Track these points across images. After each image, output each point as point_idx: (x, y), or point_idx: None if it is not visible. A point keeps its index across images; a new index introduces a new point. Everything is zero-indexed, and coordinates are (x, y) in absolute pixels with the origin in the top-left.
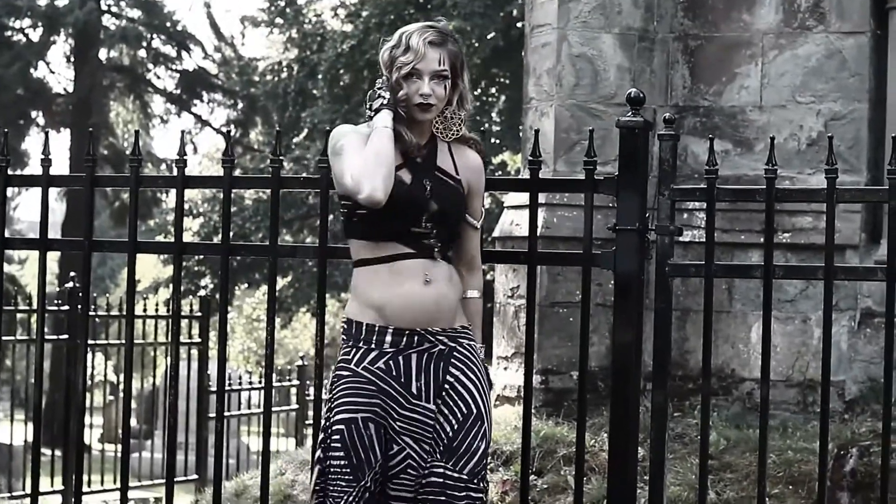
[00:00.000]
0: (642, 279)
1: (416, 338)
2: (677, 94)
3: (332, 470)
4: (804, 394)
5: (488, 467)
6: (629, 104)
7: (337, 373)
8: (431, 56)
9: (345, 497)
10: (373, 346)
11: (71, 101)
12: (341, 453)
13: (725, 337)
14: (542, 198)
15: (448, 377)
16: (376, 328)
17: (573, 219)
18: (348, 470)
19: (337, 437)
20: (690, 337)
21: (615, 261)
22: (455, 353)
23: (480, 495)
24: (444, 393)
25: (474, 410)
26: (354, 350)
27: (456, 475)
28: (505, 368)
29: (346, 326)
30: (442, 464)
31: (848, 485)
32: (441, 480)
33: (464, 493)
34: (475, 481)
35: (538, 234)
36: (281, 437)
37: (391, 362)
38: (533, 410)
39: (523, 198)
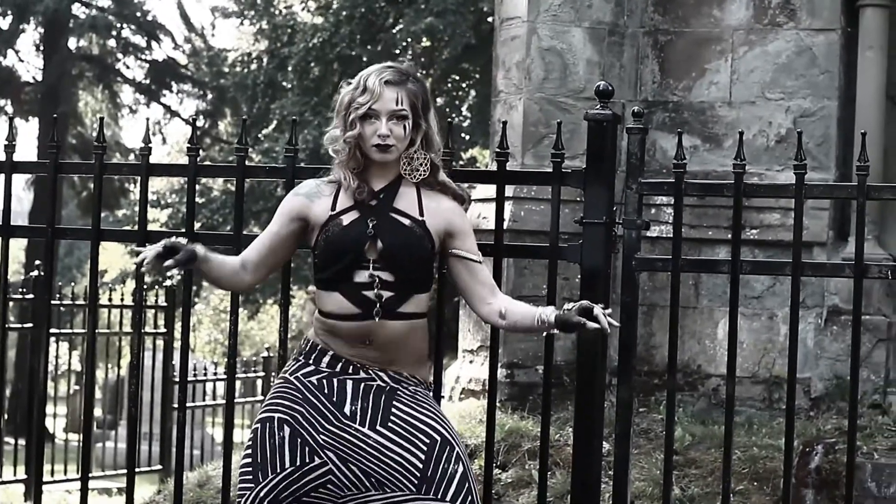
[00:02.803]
0: (609, 273)
1: (351, 367)
2: (647, 89)
3: (240, 472)
4: (770, 390)
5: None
6: (598, 97)
7: (274, 383)
8: (388, 96)
9: (242, 502)
10: (311, 361)
11: (39, 89)
12: (249, 451)
13: (692, 333)
14: (509, 191)
15: (395, 410)
16: (318, 347)
17: (541, 212)
18: (249, 469)
19: (251, 436)
20: (657, 332)
21: (581, 254)
22: (399, 393)
23: None
24: (392, 425)
25: (438, 438)
26: (294, 362)
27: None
28: (471, 362)
29: (300, 344)
30: (420, 496)
31: (813, 482)
32: None
33: None
34: None
35: (505, 228)
36: (246, 429)
37: (325, 381)
38: (498, 404)
39: (491, 191)
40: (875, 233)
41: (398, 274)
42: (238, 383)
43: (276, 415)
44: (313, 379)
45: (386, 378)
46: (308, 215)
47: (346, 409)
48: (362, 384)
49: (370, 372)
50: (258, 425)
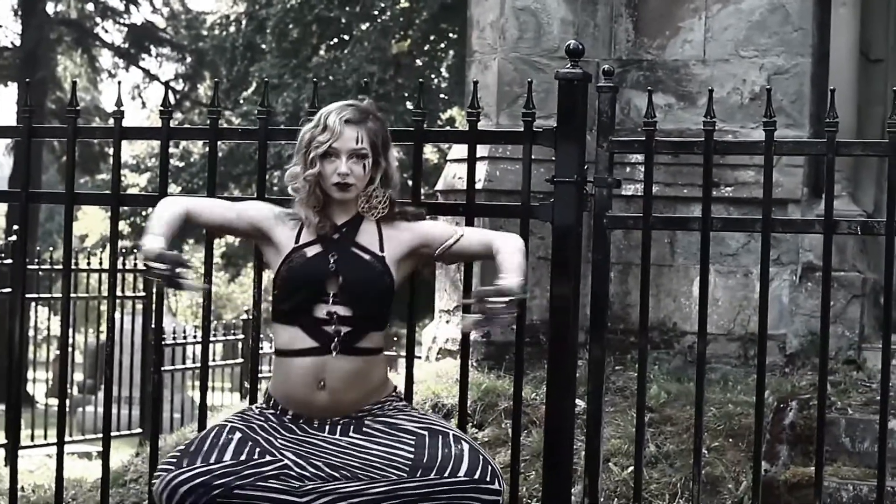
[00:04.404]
0: (580, 231)
1: (315, 421)
2: (621, 48)
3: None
4: (745, 347)
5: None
6: (568, 56)
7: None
8: (348, 135)
9: (158, 479)
10: (277, 411)
11: (18, 55)
12: (184, 444)
13: (667, 291)
14: (484, 151)
15: (368, 422)
16: (280, 407)
17: (516, 172)
18: (175, 457)
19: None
20: (632, 290)
21: (553, 213)
22: (367, 419)
23: (495, 497)
24: (368, 430)
25: (425, 433)
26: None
27: (453, 479)
28: (447, 322)
29: (264, 394)
30: (415, 478)
31: (787, 437)
32: (421, 491)
33: (471, 496)
34: (487, 478)
35: (481, 188)
36: (226, 392)
37: (287, 418)
38: (475, 364)
39: (465, 150)
40: (849, 189)
41: (356, 309)
42: (219, 346)
43: (229, 424)
44: (277, 415)
45: (349, 420)
46: (271, 232)
47: (314, 425)
48: (328, 422)
49: (336, 419)
50: (206, 430)
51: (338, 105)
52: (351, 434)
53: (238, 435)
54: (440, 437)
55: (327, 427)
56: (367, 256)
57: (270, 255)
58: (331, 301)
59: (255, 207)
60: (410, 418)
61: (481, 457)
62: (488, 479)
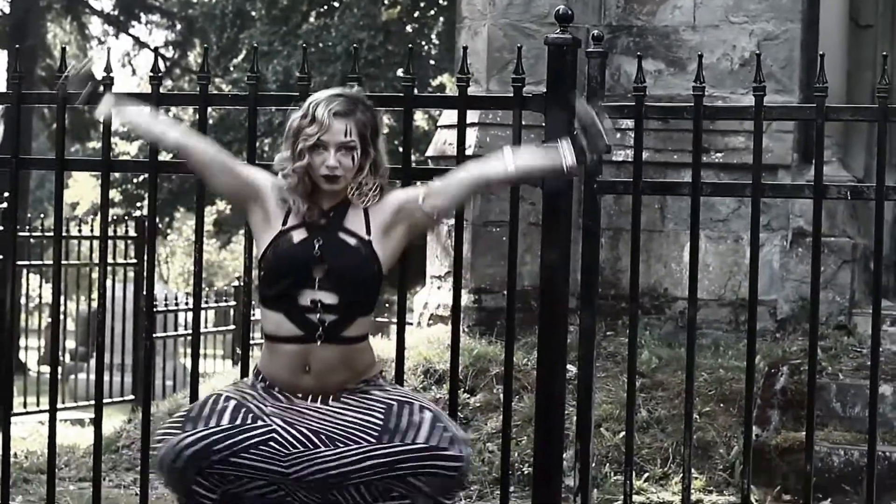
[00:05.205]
0: (570, 197)
1: (300, 395)
2: (611, 14)
3: (166, 424)
4: (736, 313)
5: (429, 397)
6: (558, 21)
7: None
8: (337, 127)
9: (162, 444)
10: (265, 384)
11: (7, 22)
12: (184, 411)
13: (658, 256)
14: (475, 117)
15: (346, 392)
16: (267, 382)
17: (506, 138)
18: (180, 421)
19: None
20: (623, 256)
21: (543, 178)
22: (343, 395)
23: (455, 463)
24: (346, 400)
25: (394, 403)
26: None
27: (412, 446)
28: (438, 287)
29: (253, 370)
30: (383, 445)
31: (778, 402)
32: (386, 459)
33: (429, 462)
34: (443, 445)
35: (471, 153)
36: (218, 359)
37: (273, 390)
38: (466, 329)
39: (456, 116)
40: (839, 155)
41: (342, 295)
42: (211, 313)
43: (224, 394)
44: (266, 388)
45: (333, 398)
46: (265, 196)
47: (298, 393)
48: (310, 395)
49: (322, 396)
50: (202, 397)
51: (326, 95)
52: (330, 402)
53: (233, 402)
54: (406, 406)
55: (310, 398)
56: (353, 241)
57: (258, 221)
58: (316, 287)
59: (258, 169)
60: (384, 392)
61: (440, 425)
62: (444, 445)
